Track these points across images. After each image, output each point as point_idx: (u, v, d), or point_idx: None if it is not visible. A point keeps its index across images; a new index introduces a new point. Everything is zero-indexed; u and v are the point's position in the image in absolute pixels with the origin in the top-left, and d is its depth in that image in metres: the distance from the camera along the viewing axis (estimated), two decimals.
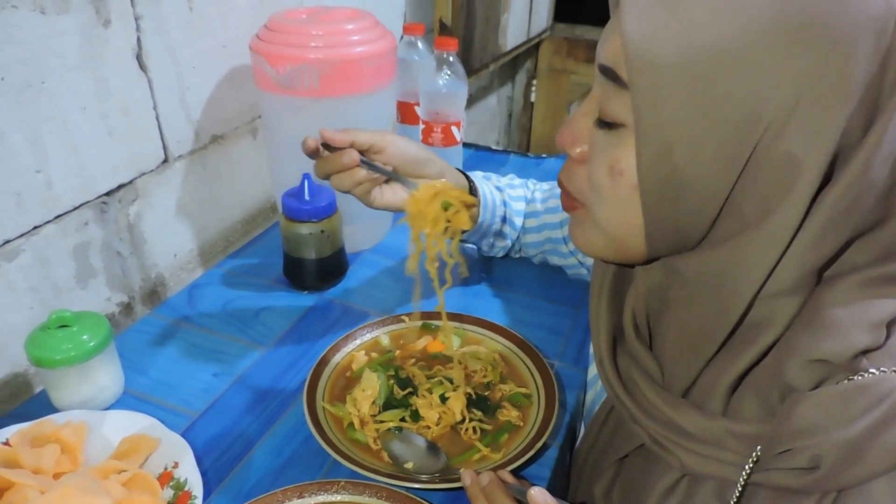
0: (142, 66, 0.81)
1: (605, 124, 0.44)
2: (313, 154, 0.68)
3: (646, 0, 0.39)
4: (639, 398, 0.51)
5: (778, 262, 0.41)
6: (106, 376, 0.69)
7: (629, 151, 0.42)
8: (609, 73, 0.43)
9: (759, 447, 0.43)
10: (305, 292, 0.90)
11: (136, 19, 0.78)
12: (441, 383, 0.70)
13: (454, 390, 0.68)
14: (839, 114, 0.37)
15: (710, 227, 0.43)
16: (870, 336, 0.40)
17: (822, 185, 0.39)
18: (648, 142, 0.40)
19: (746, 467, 0.44)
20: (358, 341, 0.78)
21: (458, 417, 0.66)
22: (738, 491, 0.44)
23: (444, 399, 0.67)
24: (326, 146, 0.67)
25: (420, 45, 1.15)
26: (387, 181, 0.71)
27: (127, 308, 0.88)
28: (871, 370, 0.40)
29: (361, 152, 0.68)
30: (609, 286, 0.55)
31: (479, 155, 1.36)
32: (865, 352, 0.41)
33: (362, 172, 0.67)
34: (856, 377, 0.40)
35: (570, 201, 0.51)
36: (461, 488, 0.58)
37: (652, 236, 0.45)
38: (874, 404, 0.38)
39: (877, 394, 0.39)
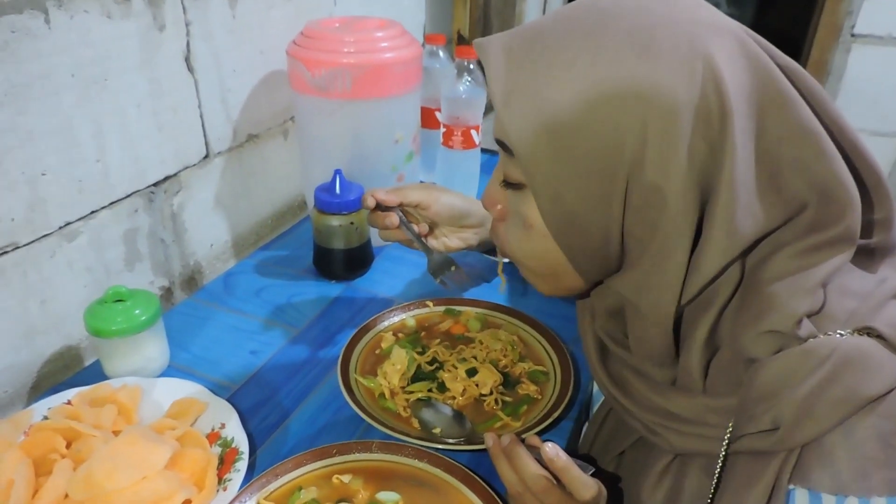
0: (190, 69, 0.88)
1: (511, 185, 0.53)
2: (371, 210, 0.80)
3: (504, 82, 0.47)
4: (631, 393, 0.57)
5: (688, 268, 0.47)
6: (154, 348, 0.75)
7: (533, 206, 0.50)
8: (501, 145, 0.51)
9: (733, 419, 0.48)
10: (333, 281, 0.96)
11: (187, 25, 0.85)
12: (465, 360, 0.75)
13: (482, 363, 0.74)
14: (681, 140, 0.44)
15: (621, 253, 0.50)
16: (808, 301, 0.45)
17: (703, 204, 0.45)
18: (541, 196, 0.49)
19: (725, 438, 0.48)
20: (386, 323, 0.83)
21: (488, 390, 0.72)
22: (720, 462, 0.49)
23: (472, 373, 0.73)
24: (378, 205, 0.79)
25: (441, 54, 1.22)
26: (429, 232, 0.83)
27: (167, 292, 0.94)
28: (819, 335, 0.45)
29: (411, 208, 0.81)
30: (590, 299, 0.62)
31: (494, 160, 1.42)
32: (810, 315, 0.46)
33: (403, 232, 0.80)
34: (804, 343, 0.45)
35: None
36: (485, 451, 0.63)
37: (579, 269, 0.53)
38: (818, 365, 0.44)
39: (820, 355, 0.44)
